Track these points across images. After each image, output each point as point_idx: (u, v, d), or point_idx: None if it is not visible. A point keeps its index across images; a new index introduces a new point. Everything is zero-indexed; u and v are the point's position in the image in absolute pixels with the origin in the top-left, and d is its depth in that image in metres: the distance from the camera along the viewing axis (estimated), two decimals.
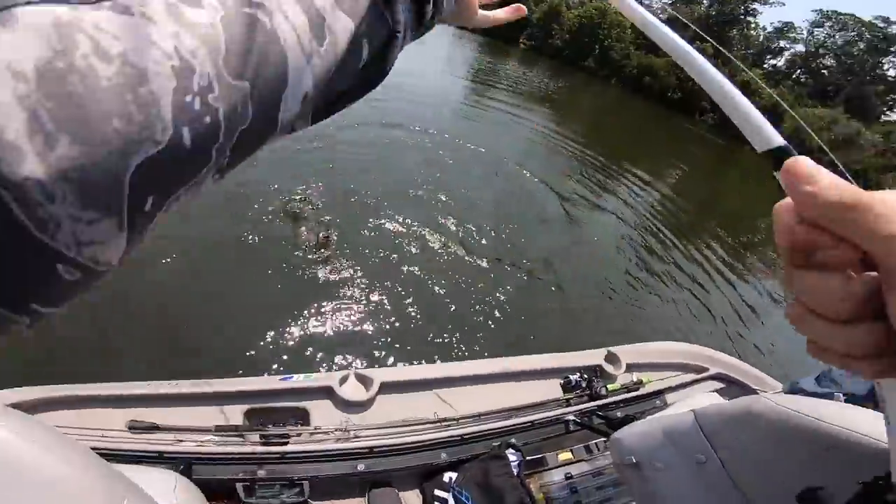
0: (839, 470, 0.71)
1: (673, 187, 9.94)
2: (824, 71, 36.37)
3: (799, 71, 37.35)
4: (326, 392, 1.49)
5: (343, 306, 2.99)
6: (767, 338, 5.18)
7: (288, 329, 2.73)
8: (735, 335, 4.98)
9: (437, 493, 1.53)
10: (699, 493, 0.98)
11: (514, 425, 1.61)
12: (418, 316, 3.13)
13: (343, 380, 1.54)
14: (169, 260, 2.89)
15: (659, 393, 1.88)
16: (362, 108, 5.98)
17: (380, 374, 1.61)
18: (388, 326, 2.97)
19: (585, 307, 4.13)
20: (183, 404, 1.29)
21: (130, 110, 0.15)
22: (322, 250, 3.35)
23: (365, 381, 1.57)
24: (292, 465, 1.28)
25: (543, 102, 13.39)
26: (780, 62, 38.07)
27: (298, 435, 1.34)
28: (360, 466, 1.36)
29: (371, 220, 4.13)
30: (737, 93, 0.29)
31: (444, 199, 4.85)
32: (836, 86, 34.57)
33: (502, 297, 3.66)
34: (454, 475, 1.54)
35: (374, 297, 3.16)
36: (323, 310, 2.92)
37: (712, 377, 2.00)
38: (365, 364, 2.63)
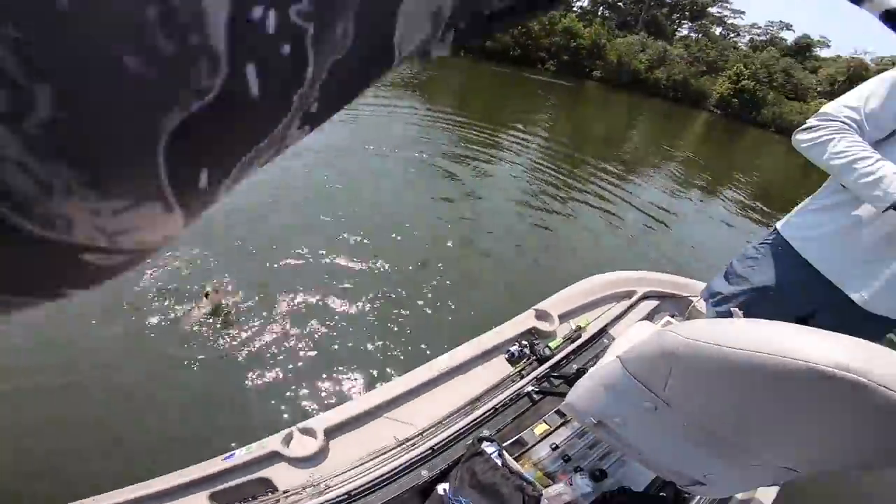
0: (761, 389, 0.71)
1: (547, 132, 10.69)
2: (620, 4, 41.36)
3: (601, 7, 42.00)
4: (276, 457, 1.40)
5: (261, 363, 2.71)
6: (683, 237, 5.80)
7: (206, 411, 2.41)
8: (653, 244, 5.41)
9: None
10: (666, 438, 1.00)
11: (478, 417, 1.60)
12: (341, 345, 2.94)
13: (286, 439, 1.43)
14: (44, 380, 2.40)
15: (601, 332, 1.95)
16: None
17: (321, 421, 1.52)
18: (313, 366, 2.76)
19: (510, 270, 4.16)
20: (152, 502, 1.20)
21: (154, 40, 0.08)
22: (215, 314, 2.90)
23: (309, 432, 1.48)
24: None
25: (408, 88, 13.49)
26: (585, 2, 42.51)
27: (276, 502, 1.26)
28: None
29: (258, 255, 3.65)
30: None
31: (340, 212, 4.55)
32: (633, 15, 39.70)
33: (429, 293, 3.57)
34: (446, 485, 1.51)
35: (291, 342, 2.89)
36: (239, 375, 2.62)
37: (642, 298, 2.10)
38: (304, 416, 2.45)
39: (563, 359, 1.82)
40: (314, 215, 4.39)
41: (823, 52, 35.61)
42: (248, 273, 3.36)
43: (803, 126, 1.31)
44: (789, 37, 37.81)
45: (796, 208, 1.47)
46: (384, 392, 1.66)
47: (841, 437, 0.70)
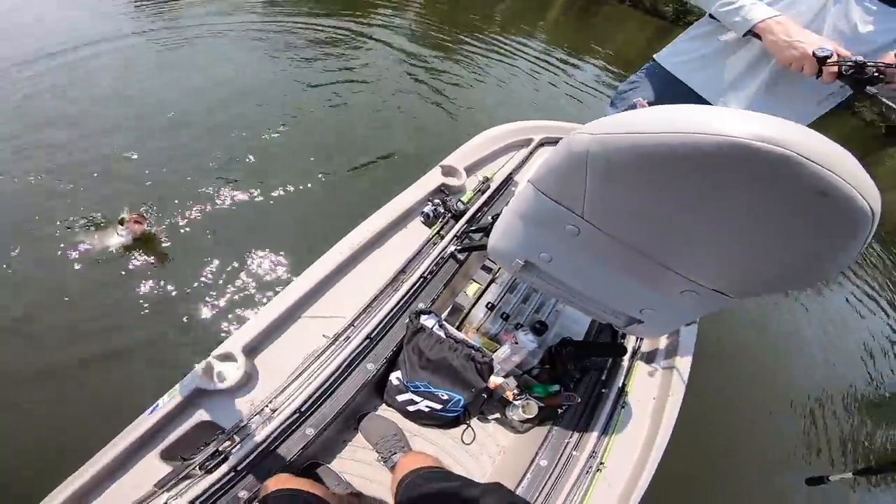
0: (681, 176, 0.66)
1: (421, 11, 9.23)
2: None
3: None
4: (204, 395, 1.15)
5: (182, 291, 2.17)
6: (569, 86, 5.93)
7: (118, 357, 1.92)
8: (545, 93, 5.51)
9: (399, 398, 1.40)
10: (595, 267, 0.98)
11: (409, 291, 1.46)
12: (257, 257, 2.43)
13: (207, 373, 1.16)
14: None
15: (508, 180, 1.89)
16: None
17: (236, 341, 1.23)
18: (226, 281, 2.27)
19: (410, 138, 3.80)
20: (106, 483, 1.03)
21: None
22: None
23: (227, 358, 1.20)
24: (258, 468, 1.09)
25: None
26: None
27: (230, 441, 1.08)
28: (310, 431, 1.18)
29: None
30: None
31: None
32: None
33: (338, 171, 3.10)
34: (398, 373, 1.39)
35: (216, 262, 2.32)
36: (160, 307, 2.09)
37: (540, 144, 2.07)
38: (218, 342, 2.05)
39: (477, 211, 1.73)
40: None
41: None
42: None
43: None
44: None
45: (671, 43, 1.58)
46: (296, 289, 1.36)
47: (766, 233, 0.67)
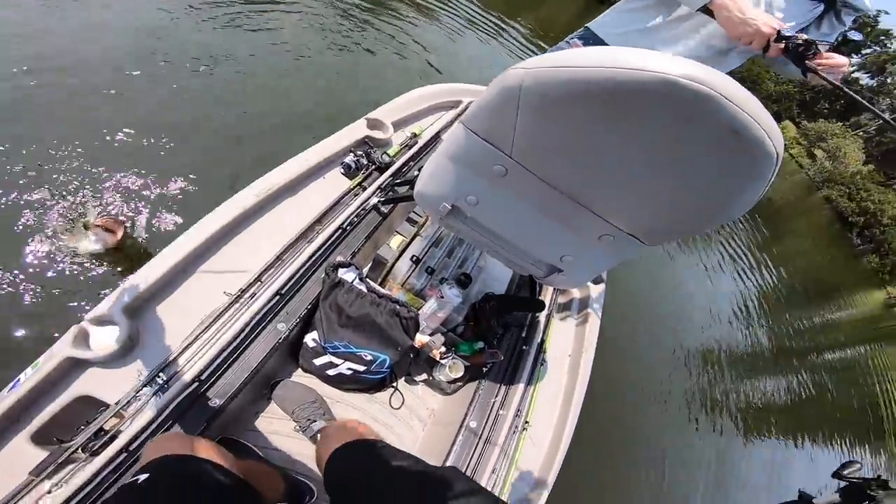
0: (611, 110, 0.68)
1: None
2: None
3: None
4: (78, 365, 0.97)
5: None
6: (497, 51, 6.11)
7: None
8: (473, 58, 5.63)
9: (316, 362, 1.26)
10: (520, 211, 0.98)
11: (325, 243, 1.32)
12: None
13: (80, 339, 0.97)
14: None
15: (436, 138, 1.82)
16: None
17: (116, 301, 1.03)
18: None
19: (308, 97, 3.52)
20: None
21: None
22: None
23: (106, 321, 1.01)
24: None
25: None
26: None
27: (118, 418, 0.93)
28: (216, 401, 1.03)
29: None
30: None
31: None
32: None
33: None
34: (314, 334, 1.25)
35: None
36: None
37: (468, 106, 2.02)
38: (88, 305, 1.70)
39: (403, 165, 1.64)
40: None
41: None
42: None
43: None
44: None
45: (605, 12, 1.57)
46: (190, 240, 1.16)
47: (683, 169, 0.71)
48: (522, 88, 0.72)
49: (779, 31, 1.14)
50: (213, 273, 1.17)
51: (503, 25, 8.81)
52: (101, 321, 1.00)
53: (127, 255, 1.85)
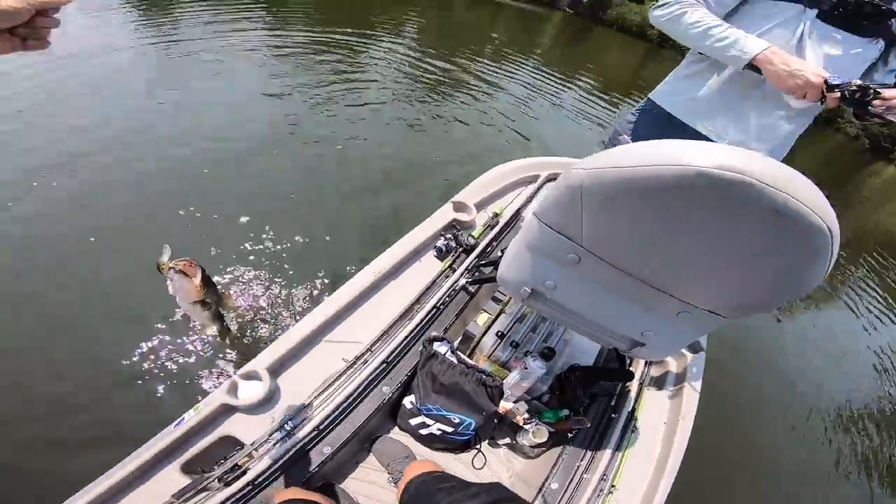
0: (661, 204, 0.73)
1: (415, 36, 9.97)
2: None
3: None
4: (228, 411, 1.24)
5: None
6: (558, 125, 6.27)
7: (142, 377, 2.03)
8: (542, 122, 5.92)
9: (412, 421, 1.47)
10: (596, 292, 1.05)
11: (422, 320, 1.56)
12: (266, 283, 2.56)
13: (232, 389, 1.25)
14: None
15: (516, 215, 1.99)
16: None
17: (261, 361, 1.34)
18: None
19: (409, 181, 3.94)
20: (126, 491, 1.07)
21: None
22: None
23: (252, 376, 1.30)
24: (270, 484, 1.15)
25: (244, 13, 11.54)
26: None
27: (249, 456, 1.15)
28: (326, 449, 1.25)
29: None
30: None
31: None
32: None
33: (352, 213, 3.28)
34: (411, 398, 1.46)
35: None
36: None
37: (547, 180, 2.19)
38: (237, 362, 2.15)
39: (487, 245, 1.84)
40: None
41: None
42: None
43: (658, 4, 1.42)
44: None
45: (665, 80, 1.64)
46: (318, 315, 1.47)
47: (735, 252, 0.74)
48: (583, 188, 0.81)
49: (826, 80, 1.13)
50: (333, 343, 1.45)
51: (567, 84, 9.13)
52: (248, 376, 1.29)
53: (214, 315, 1.61)
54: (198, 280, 1.39)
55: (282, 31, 8.46)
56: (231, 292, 1.64)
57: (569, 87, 9.08)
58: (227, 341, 1.98)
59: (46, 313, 2.18)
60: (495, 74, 8.29)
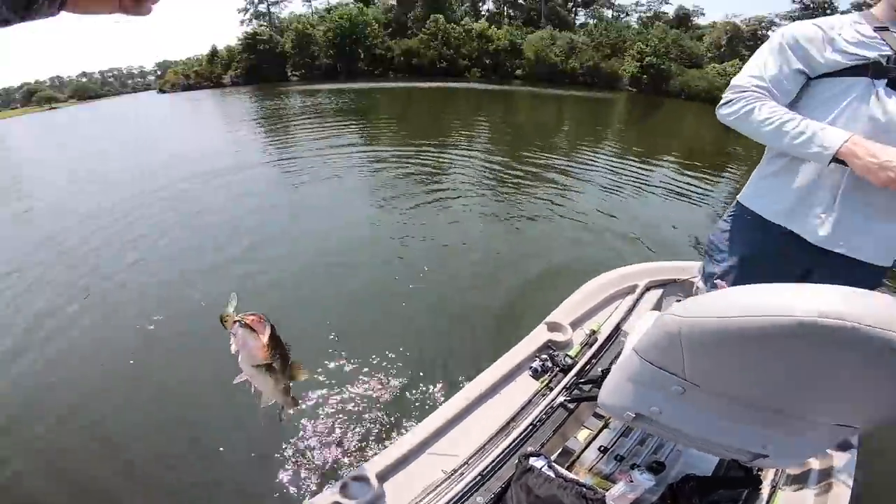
0: (765, 351, 0.74)
1: (488, 138, 10.95)
2: (521, 1, 43.71)
3: (504, 6, 44.13)
4: None
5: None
6: (652, 217, 6.00)
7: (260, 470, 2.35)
8: (629, 213, 5.69)
9: None
10: (709, 416, 1.02)
11: (518, 437, 1.63)
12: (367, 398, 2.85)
13: (343, 489, 1.43)
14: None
15: (616, 331, 2.00)
16: None
17: (372, 466, 1.53)
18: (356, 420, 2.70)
19: (501, 292, 4.01)
20: None
21: None
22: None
23: (362, 479, 1.49)
24: None
25: (348, 118, 13.88)
26: (489, 4, 45.01)
27: None
28: None
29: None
30: None
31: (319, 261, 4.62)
32: (535, 10, 41.87)
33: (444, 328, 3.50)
34: None
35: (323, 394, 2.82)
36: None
37: (646, 290, 2.18)
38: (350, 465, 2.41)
39: (586, 364, 1.87)
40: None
41: (700, 20, 39.34)
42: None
43: (722, 101, 1.37)
44: (669, 9, 41.64)
45: (749, 180, 1.56)
46: (423, 428, 1.66)
47: (851, 387, 0.72)
48: (682, 334, 0.83)
49: None
50: (435, 455, 1.61)
51: (650, 164, 8.73)
52: (358, 478, 1.48)
53: (279, 383, 1.27)
54: (265, 338, 1.13)
55: (374, 145, 9.75)
56: (302, 364, 1.34)
57: (652, 167, 8.67)
58: (284, 417, 1.71)
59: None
60: (574, 166, 8.36)
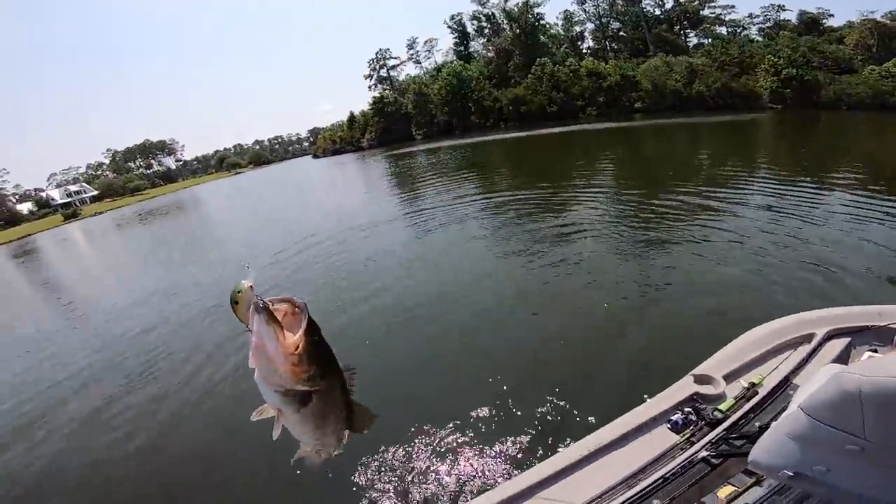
0: None
1: (615, 175, 10.57)
2: (622, 33, 42.07)
3: (606, 41, 42.84)
4: None
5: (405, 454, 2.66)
6: (836, 252, 4.56)
7: None
8: (801, 270, 4.30)
9: None
10: (890, 473, 0.91)
11: (644, 489, 1.44)
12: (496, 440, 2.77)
13: None
14: None
15: (783, 384, 1.71)
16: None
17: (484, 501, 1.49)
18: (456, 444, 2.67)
19: (637, 338, 3.67)
20: None
21: None
22: None
23: None
24: None
25: (469, 173, 14.81)
26: (588, 42, 44.18)
27: None
28: None
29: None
30: None
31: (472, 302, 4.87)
32: (640, 40, 40.04)
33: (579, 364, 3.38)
34: None
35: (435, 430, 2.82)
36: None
37: (826, 340, 1.84)
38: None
39: (740, 419, 1.62)
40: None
41: (831, 22, 33.58)
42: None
43: None
44: (789, 16, 36.27)
45: None
46: (537, 472, 1.55)
47: None
48: (862, 393, 0.82)
49: None
50: (547, 500, 1.48)
51: (820, 186, 7.20)
52: None
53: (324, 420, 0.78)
54: (298, 334, 0.64)
55: (490, 193, 10.04)
56: (370, 412, 0.82)
57: (824, 191, 6.95)
58: (314, 461, 0.93)
59: None
60: (724, 196, 7.19)
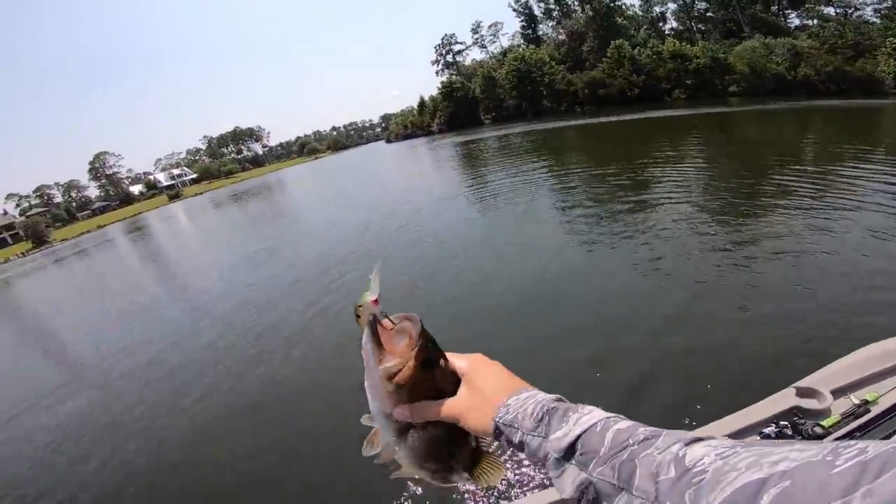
0: None
1: (701, 168, 9.89)
2: (709, 13, 38.30)
3: (691, 22, 39.41)
4: None
5: None
6: None
7: None
8: None
9: None
10: None
11: None
12: None
13: None
14: None
15: None
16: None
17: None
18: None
19: (737, 343, 3.42)
20: None
21: None
22: None
23: None
24: None
25: (542, 154, 14.71)
26: (671, 24, 41.05)
27: None
28: None
29: None
30: None
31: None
32: (733, 21, 35.96)
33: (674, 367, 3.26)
34: None
35: None
36: None
37: None
38: None
39: (844, 437, 1.50)
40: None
41: None
42: None
43: None
44: None
45: None
46: None
47: None
48: None
49: None
50: None
51: None
52: None
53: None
54: (404, 363, 0.55)
55: (567, 179, 9.72)
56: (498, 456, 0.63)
57: None
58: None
59: None
60: (843, 190, 6.34)
